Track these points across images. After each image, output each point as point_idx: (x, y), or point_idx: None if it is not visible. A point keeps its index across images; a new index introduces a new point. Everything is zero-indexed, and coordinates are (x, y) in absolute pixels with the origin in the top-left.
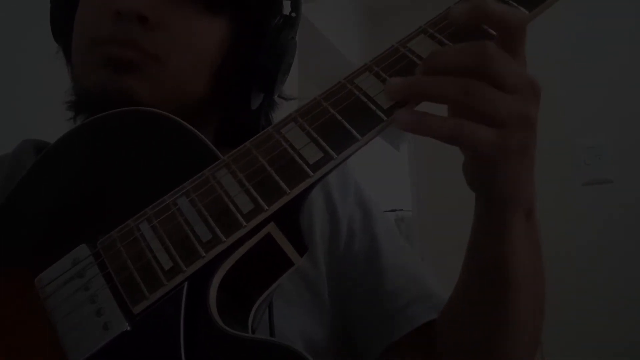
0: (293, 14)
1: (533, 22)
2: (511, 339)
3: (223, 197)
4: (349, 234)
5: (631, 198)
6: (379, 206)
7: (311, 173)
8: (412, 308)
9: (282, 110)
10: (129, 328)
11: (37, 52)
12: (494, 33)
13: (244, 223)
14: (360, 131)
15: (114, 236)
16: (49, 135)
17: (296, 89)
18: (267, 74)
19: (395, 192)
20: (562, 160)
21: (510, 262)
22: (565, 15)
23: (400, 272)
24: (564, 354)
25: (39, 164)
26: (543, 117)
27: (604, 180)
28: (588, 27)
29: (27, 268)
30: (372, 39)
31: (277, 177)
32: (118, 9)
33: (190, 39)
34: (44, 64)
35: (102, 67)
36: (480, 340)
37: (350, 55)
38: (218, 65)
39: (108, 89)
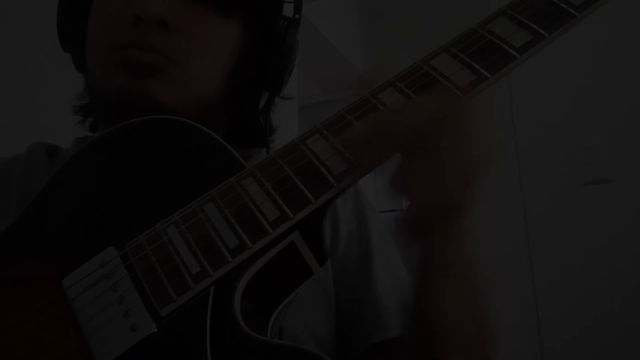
0: (297, 16)
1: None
2: None
3: (249, 204)
4: (348, 237)
5: (631, 198)
6: (376, 211)
7: (336, 184)
8: (388, 318)
9: (282, 109)
10: (156, 330)
11: (46, 56)
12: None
13: (270, 230)
14: None
15: (142, 240)
16: (57, 138)
17: (296, 88)
18: (276, 74)
19: None
20: (562, 160)
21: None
22: None
23: (387, 279)
24: (563, 354)
25: (66, 169)
26: (543, 117)
27: (604, 180)
28: (588, 28)
29: (54, 270)
30: (372, 38)
31: (302, 187)
32: (138, 14)
33: (208, 42)
34: (53, 68)
35: (124, 71)
36: None
37: (349, 54)
38: (231, 67)
39: (130, 92)
